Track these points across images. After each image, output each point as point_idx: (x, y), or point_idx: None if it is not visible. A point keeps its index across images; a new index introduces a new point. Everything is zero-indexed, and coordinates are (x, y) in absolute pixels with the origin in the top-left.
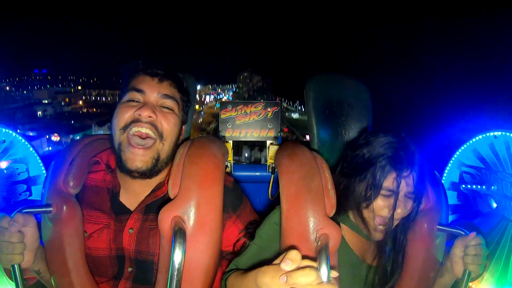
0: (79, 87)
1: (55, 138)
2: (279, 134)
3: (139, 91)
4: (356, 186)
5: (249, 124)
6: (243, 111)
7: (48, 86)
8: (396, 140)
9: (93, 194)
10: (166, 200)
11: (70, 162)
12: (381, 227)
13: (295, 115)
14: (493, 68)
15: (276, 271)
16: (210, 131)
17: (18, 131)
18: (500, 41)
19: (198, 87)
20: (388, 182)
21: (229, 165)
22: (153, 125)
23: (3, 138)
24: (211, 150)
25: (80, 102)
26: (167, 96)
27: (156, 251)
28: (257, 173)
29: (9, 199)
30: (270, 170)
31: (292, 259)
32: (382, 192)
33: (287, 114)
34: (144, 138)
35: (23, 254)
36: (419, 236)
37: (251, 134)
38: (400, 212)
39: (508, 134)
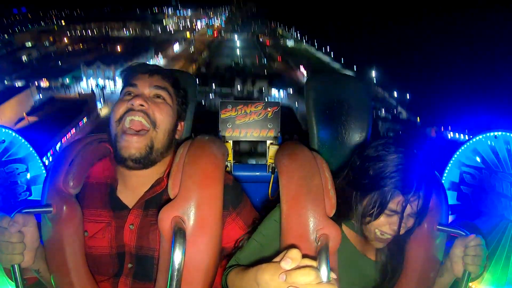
0: (63, 22)
1: (44, 83)
2: (279, 134)
3: (132, 85)
4: (359, 200)
5: (249, 124)
6: (243, 111)
7: (29, 26)
8: (407, 160)
9: (93, 192)
10: (166, 197)
11: (70, 162)
12: (383, 236)
13: (290, 43)
14: (493, 68)
15: (276, 269)
16: (201, 63)
17: (6, 82)
18: (501, 40)
19: (189, 12)
20: (393, 204)
21: (229, 165)
22: (146, 113)
23: (3, 138)
24: (211, 150)
25: (65, 40)
26: (158, 87)
27: (157, 246)
28: (257, 173)
29: (9, 199)
30: (270, 170)
31: (292, 258)
32: (386, 211)
33: (282, 41)
34: (138, 131)
35: (23, 254)
36: (419, 236)
37: (251, 134)
38: (401, 231)
39: (508, 134)
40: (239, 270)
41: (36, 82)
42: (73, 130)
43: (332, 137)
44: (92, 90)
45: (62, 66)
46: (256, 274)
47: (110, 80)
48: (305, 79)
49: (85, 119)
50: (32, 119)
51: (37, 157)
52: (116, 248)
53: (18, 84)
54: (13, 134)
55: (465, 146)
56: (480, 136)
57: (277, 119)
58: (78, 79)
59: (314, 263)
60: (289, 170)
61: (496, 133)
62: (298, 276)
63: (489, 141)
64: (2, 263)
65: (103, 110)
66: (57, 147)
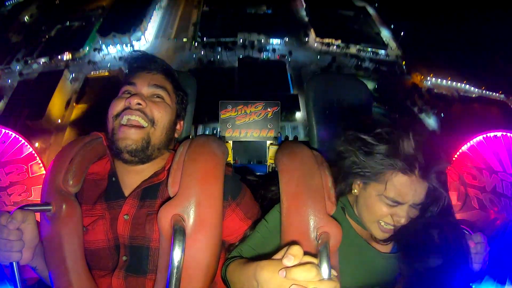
0: None
1: (67, 56)
2: (279, 134)
3: (131, 84)
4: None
5: (249, 124)
6: (243, 111)
7: None
8: (410, 143)
9: (91, 188)
10: (163, 188)
11: (69, 160)
12: (387, 227)
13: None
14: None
15: (276, 266)
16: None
17: (29, 61)
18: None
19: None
20: (393, 192)
21: None
22: (143, 112)
23: (3, 139)
24: (211, 149)
25: None
26: (156, 85)
27: (152, 237)
28: (257, 173)
29: (8, 199)
30: (270, 170)
31: (294, 255)
32: (387, 201)
33: None
34: (135, 126)
35: (22, 252)
36: None
37: (251, 134)
38: (402, 222)
39: (508, 134)
40: (239, 263)
41: (59, 56)
42: None
43: (332, 137)
44: (120, 68)
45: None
46: (255, 271)
47: (128, 46)
48: (303, 11)
49: None
50: (81, 106)
51: (37, 157)
52: (113, 240)
53: (42, 60)
54: (13, 134)
55: (465, 146)
56: (480, 136)
57: (277, 119)
58: (97, 49)
59: (315, 260)
60: (289, 169)
61: (496, 133)
62: (299, 272)
63: (489, 141)
64: (0, 261)
65: None
66: None
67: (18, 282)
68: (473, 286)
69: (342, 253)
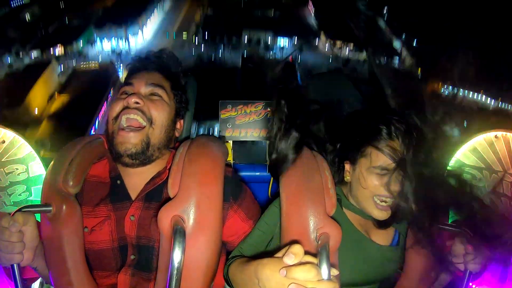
0: None
1: (60, 50)
2: None
3: (128, 84)
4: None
5: (249, 124)
6: (243, 111)
7: None
8: (394, 115)
9: (93, 189)
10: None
11: (69, 161)
12: (383, 204)
13: None
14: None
15: (277, 264)
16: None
17: (21, 54)
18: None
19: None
20: (380, 159)
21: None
22: (141, 111)
23: (3, 139)
24: (211, 149)
25: None
26: (153, 84)
27: (157, 237)
28: (257, 173)
29: (8, 199)
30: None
31: (295, 253)
32: (375, 171)
33: None
34: (134, 127)
35: (23, 253)
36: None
37: (251, 134)
38: (396, 189)
39: (508, 134)
40: (241, 262)
41: (51, 50)
42: (104, 104)
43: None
44: (111, 60)
45: (71, 23)
46: (256, 269)
47: (123, 40)
48: (312, 18)
49: (112, 91)
50: (63, 97)
51: (37, 157)
52: (117, 240)
53: (34, 54)
54: (13, 134)
55: (465, 146)
56: (480, 136)
57: None
58: (92, 42)
59: (315, 260)
60: (289, 169)
61: (496, 133)
62: (299, 272)
63: (489, 141)
64: (1, 262)
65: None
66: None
67: (19, 283)
68: (473, 286)
69: (340, 247)
